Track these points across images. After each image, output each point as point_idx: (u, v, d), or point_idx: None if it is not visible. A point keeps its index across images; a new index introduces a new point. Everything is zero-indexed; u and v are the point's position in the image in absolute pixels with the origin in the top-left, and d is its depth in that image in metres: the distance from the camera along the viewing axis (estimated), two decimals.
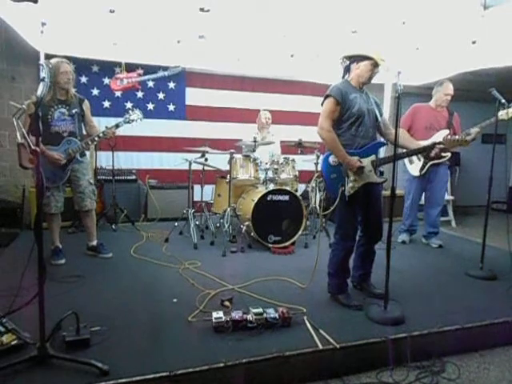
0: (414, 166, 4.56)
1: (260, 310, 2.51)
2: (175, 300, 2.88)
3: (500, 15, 3.13)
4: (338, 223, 2.92)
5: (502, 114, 3.79)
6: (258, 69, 5.78)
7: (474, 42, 3.86)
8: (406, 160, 4.59)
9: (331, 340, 2.31)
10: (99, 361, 1.95)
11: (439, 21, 3.40)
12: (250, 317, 2.45)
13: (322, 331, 2.41)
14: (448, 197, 6.40)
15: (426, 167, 4.44)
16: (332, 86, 2.85)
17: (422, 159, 4.46)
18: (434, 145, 2.87)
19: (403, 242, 4.75)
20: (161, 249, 4.25)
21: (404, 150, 2.96)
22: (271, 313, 2.50)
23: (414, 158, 4.52)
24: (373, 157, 2.83)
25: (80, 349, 2.12)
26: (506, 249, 3.73)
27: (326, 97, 2.81)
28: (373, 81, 2.88)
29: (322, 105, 2.84)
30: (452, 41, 3.78)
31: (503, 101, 3.51)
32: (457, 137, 4.02)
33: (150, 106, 6.02)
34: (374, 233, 3.02)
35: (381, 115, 2.94)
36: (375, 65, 2.78)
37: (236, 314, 2.46)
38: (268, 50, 4.75)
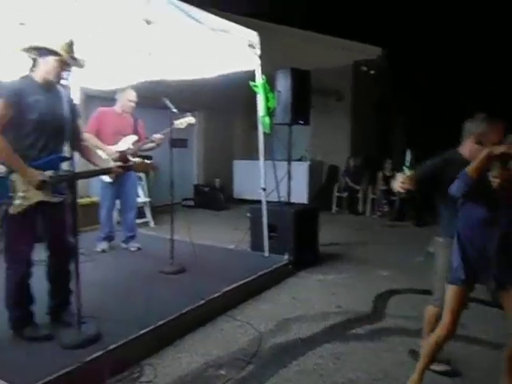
0: None
1: None
2: None
3: (162, 31, 3.45)
4: (7, 245, 2.48)
5: (179, 123, 4.24)
6: None
7: (150, 54, 4.11)
8: None
9: None
10: None
11: (114, 31, 3.40)
12: None
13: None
14: (144, 199, 6.71)
15: None
16: (5, 85, 2.39)
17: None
18: (110, 168, 2.86)
19: (103, 251, 4.59)
20: None
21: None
22: None
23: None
24: (50, 172, 2.48)
25: None
26: (195, 241, 4.20)
27: None
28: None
29: None
30: (129, 50, 3.90)
31: (174, 110, 3.91)
32: (151, 144, 4.30)
33: None
34: (59, 252, 2.66)
35: (75, 119, 2.58)
36: (64, 63, 2.41)
37: None
38: None
